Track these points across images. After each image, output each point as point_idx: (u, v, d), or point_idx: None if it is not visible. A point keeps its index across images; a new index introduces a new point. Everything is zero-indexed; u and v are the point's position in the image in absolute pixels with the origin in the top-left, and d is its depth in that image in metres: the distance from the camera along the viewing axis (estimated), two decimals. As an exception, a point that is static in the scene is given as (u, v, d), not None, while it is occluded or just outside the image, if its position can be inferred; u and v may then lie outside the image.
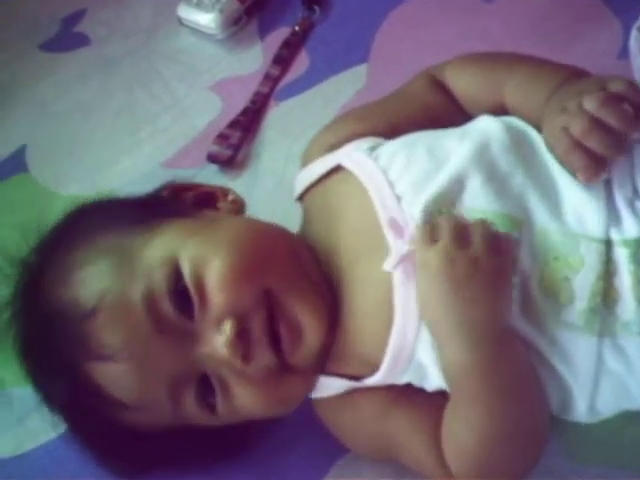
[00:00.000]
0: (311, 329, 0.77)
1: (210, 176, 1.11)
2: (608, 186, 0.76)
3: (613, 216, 0.75)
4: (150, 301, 0.75)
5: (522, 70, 0.84)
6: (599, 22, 1.09)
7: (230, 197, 0.87)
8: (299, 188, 0.89)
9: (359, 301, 0.79)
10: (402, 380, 0.79)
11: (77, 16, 1.36)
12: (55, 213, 0.85)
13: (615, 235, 0.75)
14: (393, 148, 0.83)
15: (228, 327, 0.74)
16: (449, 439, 0.77)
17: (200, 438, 0.82)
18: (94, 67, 1.29)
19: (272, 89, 1.19)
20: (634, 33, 0.98)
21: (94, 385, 0.77)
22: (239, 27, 1.27)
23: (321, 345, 0.79)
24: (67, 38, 1.34)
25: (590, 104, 0.73)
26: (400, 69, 0.97)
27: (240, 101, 1.18)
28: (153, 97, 1.23)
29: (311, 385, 0.82)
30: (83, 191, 1.12)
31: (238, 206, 0.87)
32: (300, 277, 0.79)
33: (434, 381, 0.78)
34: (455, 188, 0.77)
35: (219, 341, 0.74)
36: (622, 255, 0.74)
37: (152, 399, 0.77)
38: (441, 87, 0.90)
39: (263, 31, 1.26)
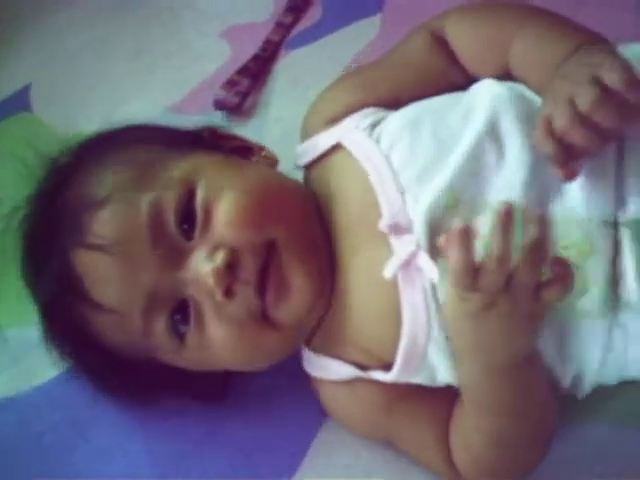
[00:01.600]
0: (299, 290, 0.76)
1: (216, 123, 1.09)
2: (619, 168, 0.74)
3: (620, 198, 0.74)
4: (156, 210, 0.76)
5: (529, 35, 0.79)
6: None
7: (264, 152, 0.87)
8: (303, 160, 0.87)
9: (362, 297, 0.78)
10: (413, 381, 0.79)
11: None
12: (57, 151, 0.84)
13: (620, 216, 0.73)
14: (394, 126, 0.80)
15: (220, 256, 0.74)
16: (460, 441, 0.78)
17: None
18: (107, 6, 1.27)
19: (283, 37, 1.17)
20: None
21: (76, 275, 0.77)
22: (252, -26, 1.24)
23: (306, 310, 0.78)
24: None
25: (582, 102, 0.68)
26: (415, 21, 0.92)
27: (250, 49, 1.16)
28: (162, 41, 1.21)
29: (288, 347, 0.81)
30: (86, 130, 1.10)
31: (270, 161, 0.87)
32: (306, 238, 0.78)
33: (443, 379, 0.78)
34: (463, 180, 0.75)
35: (207, 267, 0.74)
36: (625, 235, 0.73)
37: (126, 307, 0.77)
38: (443, 46, 0.85)
39: (276, -21, 1.23)
